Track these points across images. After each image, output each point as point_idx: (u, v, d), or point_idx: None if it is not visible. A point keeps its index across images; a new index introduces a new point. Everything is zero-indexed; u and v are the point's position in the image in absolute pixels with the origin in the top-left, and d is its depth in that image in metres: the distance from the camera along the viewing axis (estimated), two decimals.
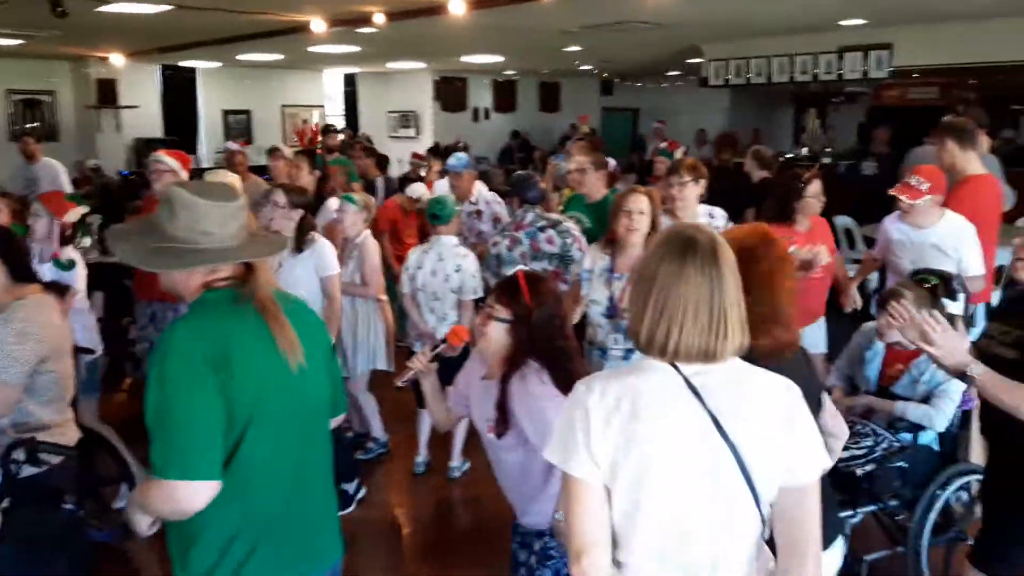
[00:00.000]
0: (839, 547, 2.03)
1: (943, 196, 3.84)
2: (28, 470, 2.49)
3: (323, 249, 3.93)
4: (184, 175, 4.74)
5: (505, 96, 16.81)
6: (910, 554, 3.08)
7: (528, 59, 13.23)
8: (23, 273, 2.69)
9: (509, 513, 2.50)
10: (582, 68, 15.07)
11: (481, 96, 16.33)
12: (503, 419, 2.28)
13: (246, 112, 14.44)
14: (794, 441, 1.49)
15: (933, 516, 3.06)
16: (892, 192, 3.88)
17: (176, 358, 1.66)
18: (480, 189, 5.42)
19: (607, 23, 8.36)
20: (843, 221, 7.56)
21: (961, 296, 3.24)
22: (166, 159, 4.58)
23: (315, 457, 1.92)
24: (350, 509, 4.03)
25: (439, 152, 7.11)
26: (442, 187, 5.43)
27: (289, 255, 3.86)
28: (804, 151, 12.40)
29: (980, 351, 2.25)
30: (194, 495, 1.63)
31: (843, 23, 9.02)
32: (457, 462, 4.39)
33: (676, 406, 1.45)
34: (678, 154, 6.02)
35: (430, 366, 2.48)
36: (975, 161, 4.19)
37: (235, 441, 1.70)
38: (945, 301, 3.18)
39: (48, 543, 1.56)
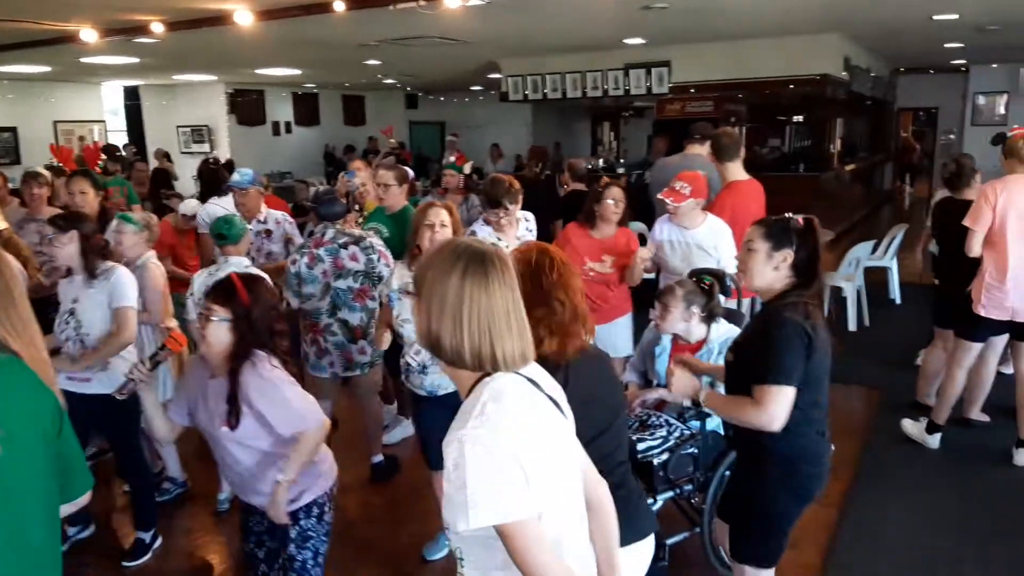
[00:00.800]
0: (651, 539, 2.14)
1: (705, 200, 4.20)
2: None
3: (119, 278, 3.52)
4: None
5: (307, 109, 16.37)
6: (706, 533, 3.31)
7: (329, 72, 12.96)
8: None
9: None
10: (386, 82, 15.00)
11: (280, 110, 15.79)
12: (235, 411, 2.41)
13: (11, 129, 12.98)
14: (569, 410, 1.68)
15: None
16: (659, 196, 4.22)
17: None
18: (269, 208, 5.17)
19: (404, 38, 8.37)
20: (636, 226, 8.05)
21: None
22: None
23: (24, 558, 1.50)
24: (144, 559, 3.71)
25: (229, 168, 6.71)
26: (228, 204, 5.11)
27: (84, 287, 3.47)
28: (600, 162, 13.09)
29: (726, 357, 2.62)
30: None
31: (627, 42, 9.64)
32: (226, 493, 4.13)
33: (539, 405, 1.55)
34: (467, 168, 6.20)
35: (151, 375, 2.56)
36: (737, 169, 4.64)
37: None
38: (721, 298, 3.51)
39: None
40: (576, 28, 8.26)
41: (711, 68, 10.09)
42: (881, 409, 5.35)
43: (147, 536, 3.77)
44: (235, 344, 2.44)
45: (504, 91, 11.77)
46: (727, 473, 3.29)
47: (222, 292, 2.46)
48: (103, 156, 7.48)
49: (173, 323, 4.02)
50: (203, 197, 5.78)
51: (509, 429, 1.42)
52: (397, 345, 3.51)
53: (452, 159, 5.98)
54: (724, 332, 3.39)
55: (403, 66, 11.98)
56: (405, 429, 5.00)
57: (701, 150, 5.46)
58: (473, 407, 1.45)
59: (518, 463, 1.40)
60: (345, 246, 4.11)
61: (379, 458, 4.52)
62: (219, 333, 2.43)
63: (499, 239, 4.12)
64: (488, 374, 1.51)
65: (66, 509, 1.64)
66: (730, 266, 3.98)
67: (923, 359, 5.45)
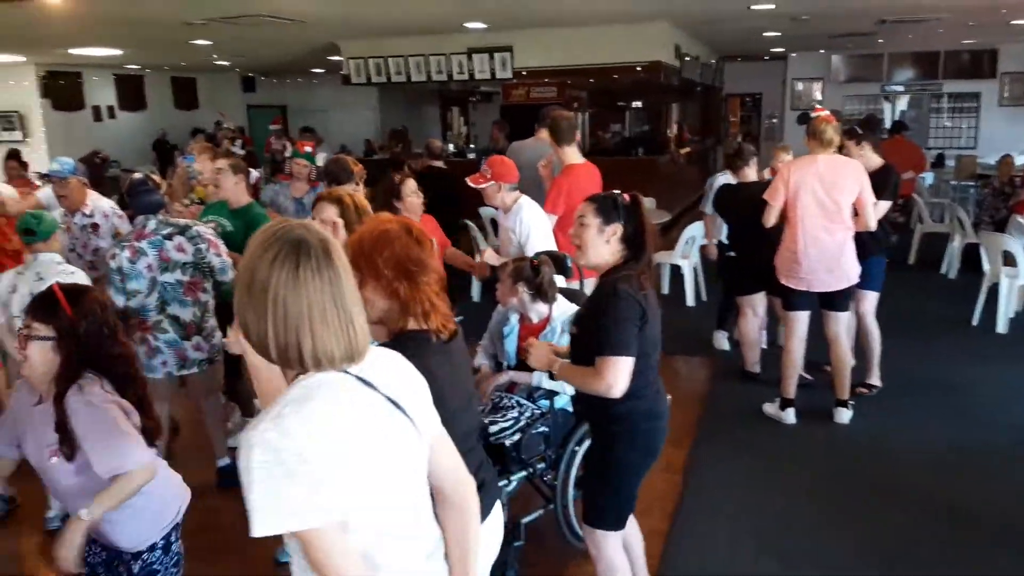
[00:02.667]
0: (499, 512, 2.12)
1: (511, 183, 4.29)
2: None
3: None
4: None
5: (132, 93, 15.21)
6: (559, 509, 3.37)
7: (153, 52, 12.08)
8: None
9: None
10: (219, 63, 14.19)
11: (102, 93, 14.59)
12: (67, 439, 2.15)
13: None
14: (426, 398, 1.59)
15: (574, 471, 3.37)
16: (467, 180, 4.33)
17: None
18: (96, 200, 4.77)
19: (232, 16, 7.92)
20: (487, 211, 8.08)
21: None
22: None
23: None
24: None
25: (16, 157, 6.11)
26: (46, 196, 4.67)
27: None
28: (451, 147, 13.04)
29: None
30: None
31: (468, 26, 9.62)
32: (56, 510, 3.81)
33: (364, 403, 1.43)
34: (320, 159, 5.87)
35: None
36: (573, 152, 4.77)
37: None
38: (561, 279, 3.60)
39: None
40: (414, 9, 8.14)
41: (552, 54, 10.27)
42: (717, 378, 5.67)
43: None
44: (61, 365, 2.18)
45: (346, 74, 11.45)
46: (576, 448, 3.36)
47: (43, 307, 2.19)
48: None
49: None
50: None
51: (304, 432, 1.31)
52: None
53: (307, 149, 5.48)
54: (565, 310, 3.46)
55: (236, 47, 11.38)
56: None
57: (542, 134, 5.55)
58: (273, 408, 1.34)
59: (309, 469, 1.29)
60: (170, 237, 3.83)
61: (225, 461, 4.28)
62: (42, 353, 2.16)
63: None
64: (305, 372, 1.40)
65: None
66: (533, 249, 4.07)
67: (738, 330, 5.74)
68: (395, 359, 1.59)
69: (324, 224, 3.21)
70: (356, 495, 1.37)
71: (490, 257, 4.20)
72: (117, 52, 11.47)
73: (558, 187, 4.63)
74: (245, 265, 1.38)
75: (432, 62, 10.86)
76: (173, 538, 2.42)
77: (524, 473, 3.35)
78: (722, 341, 6.23)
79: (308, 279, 1.34)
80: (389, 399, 1.46)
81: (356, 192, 3.96)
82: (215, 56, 12.79)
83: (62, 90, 13.71)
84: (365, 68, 11.22)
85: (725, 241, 5.78)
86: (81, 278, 3.59)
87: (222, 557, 3.56)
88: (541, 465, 3.39)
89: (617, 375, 2.43)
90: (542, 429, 3.35)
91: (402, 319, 1.88)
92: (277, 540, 3.71)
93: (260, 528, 1.28)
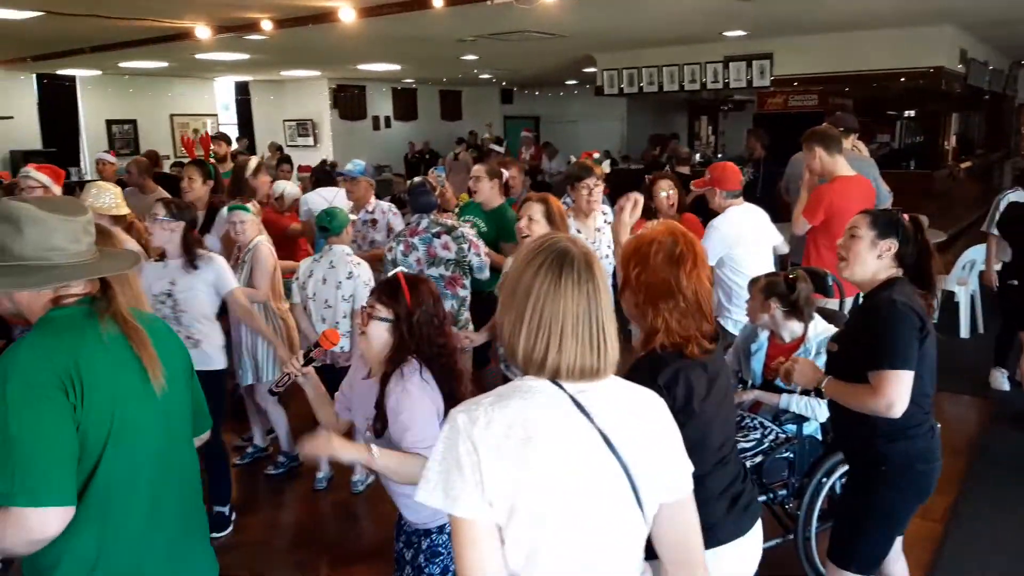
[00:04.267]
0: (758, 533, 2.04)
1: (726, 189, 4.13)
2: None
3: (220, 266, 3.80)
4: (57, 190, 4.51)
5: (405, 104, 16.72)
6: (800, 540, 3.20)
7: (426, 67, 13.20)
8: None
9: None
10: (482, 77, 15.15)
11: (381, 104, 16.19)
12: (381, 416, 2.28)
13: (131, 122, 13.80)
14: (671, 455, 1.48)
15: (819, 503, 3.19)
16: (692, 183, 4.33)
17: (18, 380, 1.56)
18: (376, 200, 5.36)
19: (500, 33, 8.43)
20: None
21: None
22: (36, 174, 4.38)
23: (178, 479, 1.84)
24: (226, 532, 3.90)
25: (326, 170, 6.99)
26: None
27: (183, 271, 3.72)
28: (698, 157, 12.84)
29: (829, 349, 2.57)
30: (45, 522, 1.54)
31: (727, 34, 9.41)
32: (360, 475, 4.30)
33: (567, 428, 1.37)
34: (553, 165, 6.18)
35: (305, 370, 2.46)
36: (842, 163, 4.44)
37: (91, 465, 1.62)
38: (823, 299, 3.42)
39: None
40: (674, 21, 8.13)
41: (816, 61, 9.72)
42: (992, 421, 5.05)
43: (225, 509, 3.95)
44: (393, 347, 2.34)
45: (599, 85, 11.69)
46: (824, 480, 3.18)
47: (388, 290, 2.37)
48: (212, 146, 7.88)
49: (284, 304, 4.27)
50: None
51: (486, 424, 1.33)
52: None
53: (528, 155, 5.91)
54: (822, 331, 3.27)
55: (499, 61, 12.07)
56: None
57: (847, 142, 5.04)
58: (489, 393, 1.38)
59: (475, 461, 1.31)
60: (438, 235, 4.19)
61: None
62: (379, 332, 2.34)
63: (578, 231, 4.20)
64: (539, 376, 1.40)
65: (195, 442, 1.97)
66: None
67: (1020, 369, 5.11)
68: (639, 401, 1.49)
69: (523, 219, 3.51)
70: (518, 511, 1.33)
71: None
72: (396, 67, 12.68)
73: (820, 196, 4.34)
74: (513, 270, 1.47)
75: (686, 71, 10.76)
76: None
77: (763, 498, 3.23)
78: (1000, 380, 5.54)
79: (568, 289, 1.39)
80: (601, 434, 1.38)
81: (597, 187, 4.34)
82: (477, 71, 13.67)
83: (348, 101, 15.41)
84: (618, 79, 11.38)
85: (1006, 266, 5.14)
86: (365, 268, 4.08)
87: None
88: (783, 492, 3.25)
89: (898, 391, 2.24)
90: (786, 454, 3.20)
91: (650, 340, 1.90)
92: None
93: (421, 494, 1.36)
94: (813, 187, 4.43)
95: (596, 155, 6.08)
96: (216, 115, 15.29)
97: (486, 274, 4.24)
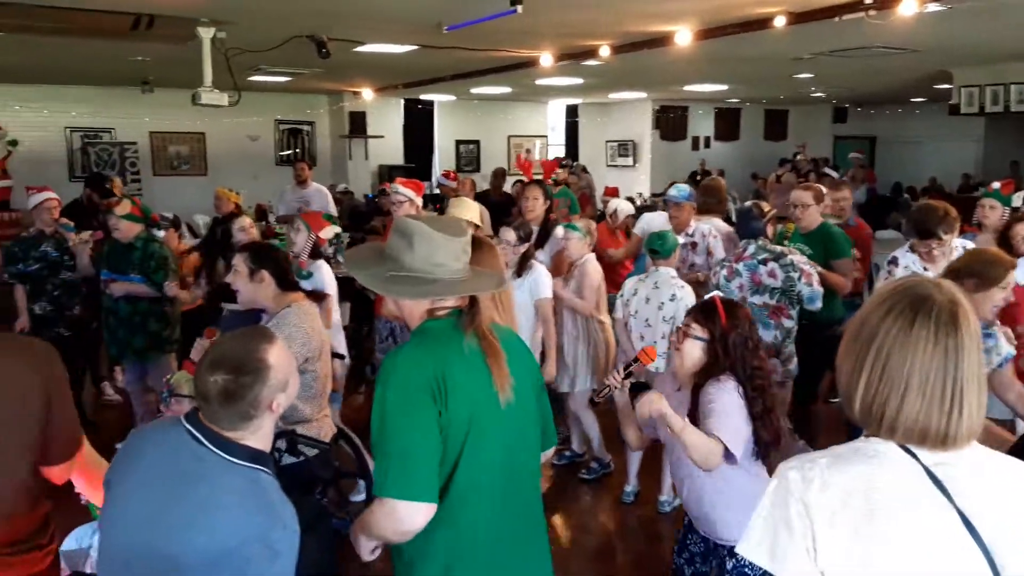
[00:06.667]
0: None
1: None
2: (287, 459, 2.84)
3: (540, 274, 4.18)
4: (419, 202, 5.20)
5: (728, 124, 16.47)
6: None
7: (754, 87, 12.88)
8: (288, 283, 3.09)
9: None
10: (814, 95, 14.40)
11: (702, 125, 16.13)
12: (695, 424, 2.36)
13: (476, 142, 15.33)
14: None
15: None
16: None
17: (396, 384, 1.76)
18: (698, 222, 5.39)
19: (843, 49, 7.95)
20: None
21: None
22: (403, 190, 5.06)
23: (523, 490, 1.94)
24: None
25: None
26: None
27: (511, 280, 4.11)
28: None
29: None
30: (412, 515, 1.71)
31: None
32: (668, 496, 4.35)
33: (919, 504, 1.21)
34: (1017, 200, 5.06)
35: (624, 384, 2.55)
36: None
37: (450, 468, 1.77)
38: None
39: (302, 528, 1.76)
40: None
41: None
42: None
43: None
44: (706, 364, 2.48)
45: (954, 103, 10.46)
46: None
47: (704, 311, 2.52)
48: (558, 169, 8.48)
49: (606, 319, 4.50)
50: (640, 211, 6.47)
51: (820, 488, 1.22)
52: None
53: (995, 186, 5.05)
54: None
55: (836, 79, 11.37)
56: None
57: None
58: (818, 453, 1.28)
59: (806, 525, 1.22)
60: (764, 262, 4.09)
61: None
62: (693, 351, 2.49)
63: (925, 268, 3.80)
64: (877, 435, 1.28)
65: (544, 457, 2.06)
66: None
67: None
68: (1009, 479, 1.27)
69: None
70: None
71: None
72: (723, 87, 12.55)
73: None
74: (861, 311, 1.36)
75: None
76: None
77: None
78: None
79: (920, 340, 1.24)
80: (961, 515, 1.20)
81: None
82: (812, 88, 13.01)
83: (669, 122, 15.57)
84: (979, 96, 10.09)
85: None
86: (689, 292, 4.12)
87: None
88: None
89: None
90: None
91: None
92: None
93: (742, 547, 1.32)
94: None
95: None
96: (546, 136, 16.38)
97: (817, 304, 4.05)
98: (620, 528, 4.36)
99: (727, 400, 2.38)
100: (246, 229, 5.03)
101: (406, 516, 1.71)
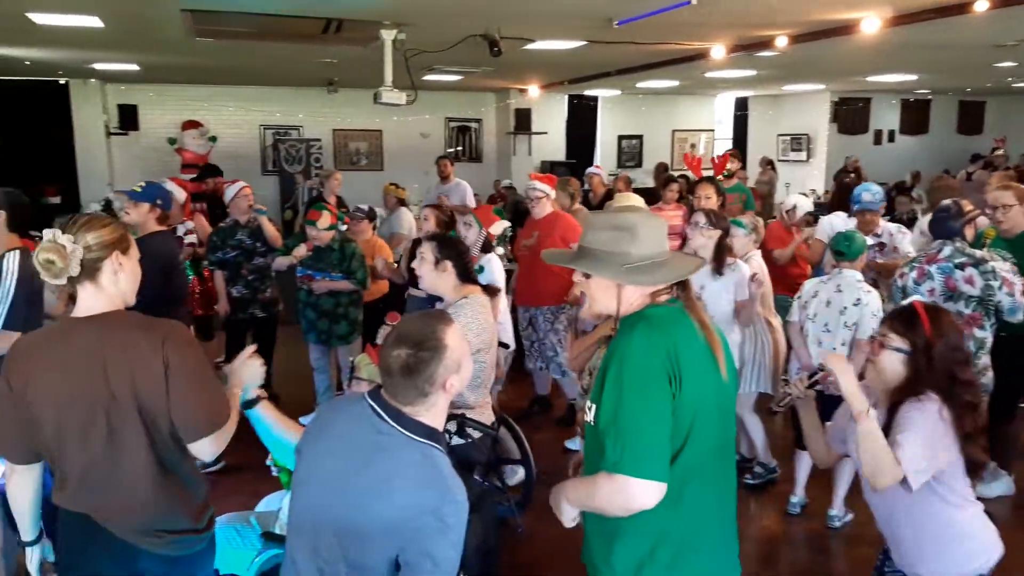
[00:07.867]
0: None
1: None
2: (455, 441, 2.96)
3: (743, 273, 4.11)
4: (553, 196, 5.30)
5: (915, 117, 15.27)
6: None
7: (947, 76, 11.84)
8: (468, 276, 3.23)
9: None
10: (1016, 86, 13.05)
11: (886, 117, 15.05)
12: (892, 443, 2.16)
13: (639, 137, 15.14)
14: None
15: None
16: None
17: (633, 364, 1.80)
18: (885, 223, 5.13)
19: None
20: None
21: None
22: (539, 185, 5.13)
23: (731, 474, 1.99)
24: None
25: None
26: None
27: (710, 278, 4.07)
28: None
29: None
30: (645, 493, 1.74)
31: None
32: (838, 510, 4.12)
33: None
34: None
35: (808, 392, 2.41)
36: None
37: (676, 450, 1.81)
38: None
39: (469, 506, 1.83)
40: None
41: None
42: None
43: None
44: (906, 379, 2.23)
45: None
46: None
47: (902, 319, 2.27)
48: (728, 167, 8.26)
49: (774, 319, 4.34)
50: (830, 207, 6.21)
51: None
52: None
53: None
54: None
55: None
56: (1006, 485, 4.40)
57: None
58: None
59: None
60: (961, 267, 3.78)
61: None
62: (892, 364, 2.25)
63: None
64: None
65: None
66: None
67: None
68: None
69: None
70: None
71: None
72: (911, 77, 11.64)
73: None
74: None
75: None
76: None
77: None
78: None
79: None
80: None
81: None
82: (1014, 79, 11.81)
83: (849, 115, 14.64)
84: None
85: None
86: (875, 297, 3.88)
87: None
88: None
89: None
90: None
91: None
92: None
93: None
94: None
95: None
96: (712, 130, 15.90)
97: (1019, 317, 3.69)
98: (783, 539, 4.18)
99: (929, 427, 2.13)
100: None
101: (639, 493, 1.74)
